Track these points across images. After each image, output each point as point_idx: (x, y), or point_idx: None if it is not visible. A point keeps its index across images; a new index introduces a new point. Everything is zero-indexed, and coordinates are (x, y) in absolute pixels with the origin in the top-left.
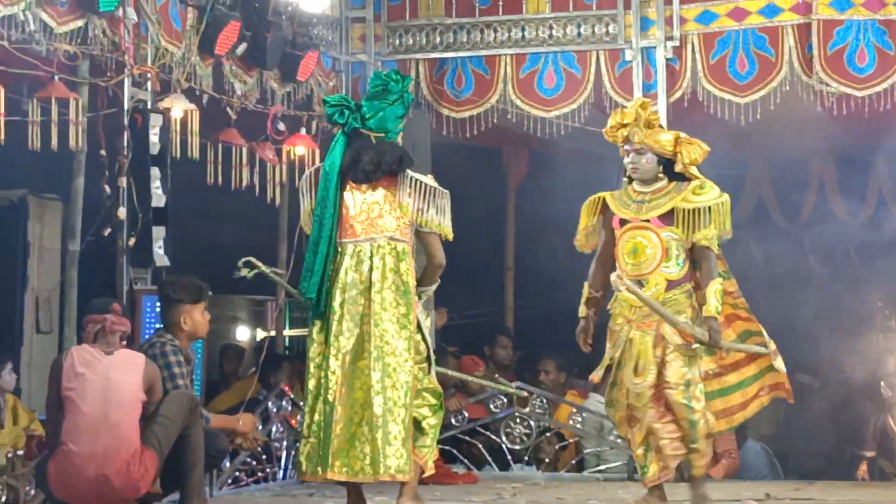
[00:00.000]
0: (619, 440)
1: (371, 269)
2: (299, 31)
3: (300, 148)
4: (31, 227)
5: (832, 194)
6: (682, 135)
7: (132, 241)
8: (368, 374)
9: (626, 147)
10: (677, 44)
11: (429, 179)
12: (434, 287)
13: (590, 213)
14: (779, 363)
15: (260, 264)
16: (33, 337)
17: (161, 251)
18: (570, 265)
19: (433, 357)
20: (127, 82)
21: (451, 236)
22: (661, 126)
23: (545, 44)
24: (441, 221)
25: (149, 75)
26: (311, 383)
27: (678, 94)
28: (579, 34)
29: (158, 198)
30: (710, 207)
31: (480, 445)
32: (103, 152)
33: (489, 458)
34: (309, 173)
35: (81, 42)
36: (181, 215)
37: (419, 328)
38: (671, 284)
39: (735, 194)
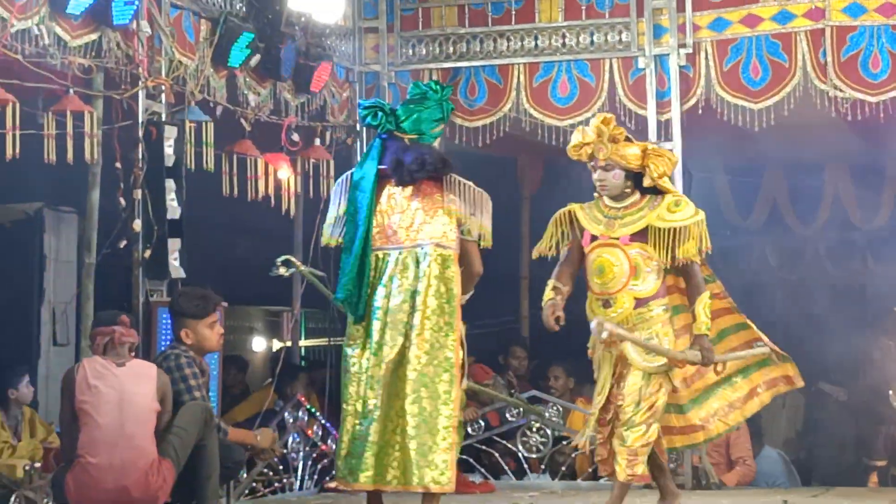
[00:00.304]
0: None
1: (417, 277)
2: (312, 41)
3: (314, 159)
4: (48, 240)
5: (847, 199)
6: (651, 146)
7: (147, 254)
8: (407, 383)
9: (593, 164)
10: (690, 51)
11: (472, 185)
12: (469, 296)
13: (558, 227)
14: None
15: (298, 263)
16: (50, 349)
17: (176, 263)
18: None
19: (466, 366)
20: (141, 95)
21: (490, 244)
22: (627, 139)
23: (558, 52)
24: (484, 227)
25: (163, 88)
26: (351, 390)
27: (692, 102)
28: (592, 42)
29: (173, 210)
30: (692, 225)
31: (497, 454)
32: (118, 165)
33: (506, 467)
34: (343, 178)
35: (96, 55)
36: (196, 227)
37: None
38: (640, 302)
39: (750, 200)
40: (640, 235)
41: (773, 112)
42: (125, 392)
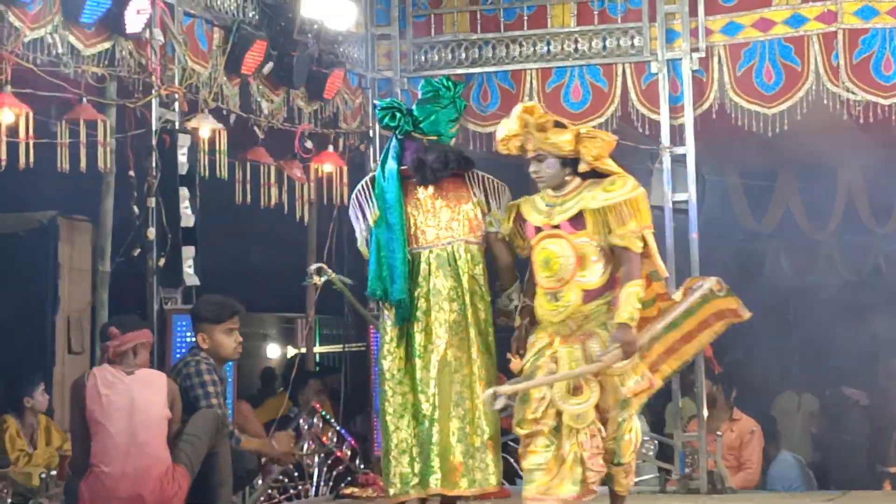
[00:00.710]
0: (650, 452)
1: (455, 276)
2: (325, 49)
3: (328, 165)
4: (62, 249)
5: (860, 202)
6: (584, 130)
7: (162, 262)
8: (460, 384)
9: (526, 157)
10: (703, 55)
11: (492, 177)
12: (514, 287)
13: (508, 222)
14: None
15: (330, 272)
16: (65, 357)
17: (191, 271)
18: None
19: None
20: (154, 103)
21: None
22: (557, 126)
23: (571, 57)
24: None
25: (176, 96)
26: (396, 400)
27: (705, 106)
28: (605, 47)
29: (187, 217)
30: (626, 201)
31: (512, 459)
32: (132, 173)
33: (521, 472)
34: (363, 185)
35: (109, 64)
36: (210, 235)
37: None
38: (589, 295)
39: (763, 204)
40: (579, 221)
41: (786, 116)
42: (135, 400)
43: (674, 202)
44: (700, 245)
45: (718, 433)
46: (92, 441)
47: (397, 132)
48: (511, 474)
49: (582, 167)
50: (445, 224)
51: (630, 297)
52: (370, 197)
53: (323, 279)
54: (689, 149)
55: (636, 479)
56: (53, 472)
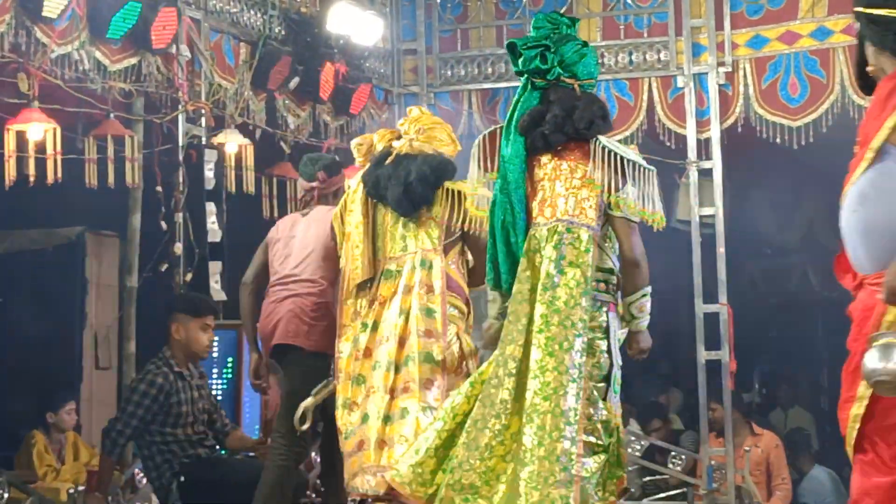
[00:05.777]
0: (676, 468)
1: (541, 262)
2: (351, 64)
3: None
4: (89, 264)
5: None
6: None
7: (189, 277)
8: (529, 398)
9: None
10: (729, 69)
11: (630, 152)
12: (639, 295)
13: None
14: None
15: None
16: (93, 373)
17: (218, 286)
18: None
19: (615, 377)
20: (181, 118)
21: (663, 224)
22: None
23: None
24: (642, 205)
25: (203, 111)
26: (457, 401)
27: (731, 120)
28: (631, 62)
29: (214, 233)
30: None
31: None
32: (159, 188)
33: None
34: (483, 137)
35: (136, 79)
36: (237, 250)
37: (608, 337)
38: None
39: (789, 218)
40: None
41: (811, 129)
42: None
43: (700, 217)
44: (727, 259)
45: (746, 448)
46: None
47: (548, 77)
48: None
49: None
50: (551, 199)
51: None
52: (486, 156)
53: None
54: (715, 163)
55: (662, 495)
56: (81, 488)
